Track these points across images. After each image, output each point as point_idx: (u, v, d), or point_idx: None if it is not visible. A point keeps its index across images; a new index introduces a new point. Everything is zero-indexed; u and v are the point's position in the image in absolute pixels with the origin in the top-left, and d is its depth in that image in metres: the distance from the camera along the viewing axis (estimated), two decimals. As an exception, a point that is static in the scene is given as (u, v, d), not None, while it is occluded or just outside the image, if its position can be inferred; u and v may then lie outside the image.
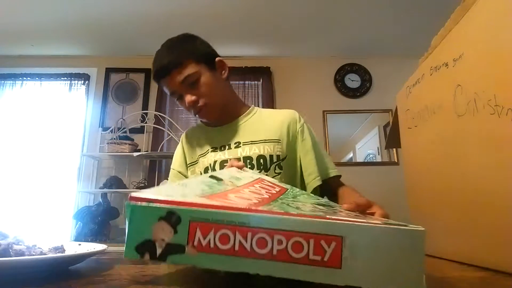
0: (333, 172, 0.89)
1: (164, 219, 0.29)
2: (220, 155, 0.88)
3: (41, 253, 0.40)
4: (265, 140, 0.89)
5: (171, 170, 0.99)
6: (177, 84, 0.83)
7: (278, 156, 0.87)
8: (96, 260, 0.50)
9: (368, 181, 2.78)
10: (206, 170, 0.88)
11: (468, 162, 0.44)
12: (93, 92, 3.01)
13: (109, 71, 3.05)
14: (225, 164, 0.86)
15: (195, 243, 0.29)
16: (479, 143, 0.42)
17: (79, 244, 0.49)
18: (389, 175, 2.69)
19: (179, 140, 1.02)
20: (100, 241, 2.11)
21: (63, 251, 0.44)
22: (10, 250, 0.38)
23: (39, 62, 3.03)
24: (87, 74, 3.04)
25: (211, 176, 0.44)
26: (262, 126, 0.92)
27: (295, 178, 0.89)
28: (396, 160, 2.84)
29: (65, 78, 3.02)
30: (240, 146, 0.88)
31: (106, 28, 2.66)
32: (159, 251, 0.29)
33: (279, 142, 0.89)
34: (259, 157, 0.86)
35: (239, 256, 0.28)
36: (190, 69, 0.83)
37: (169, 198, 0.30)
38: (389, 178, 2.63)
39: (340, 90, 3.05)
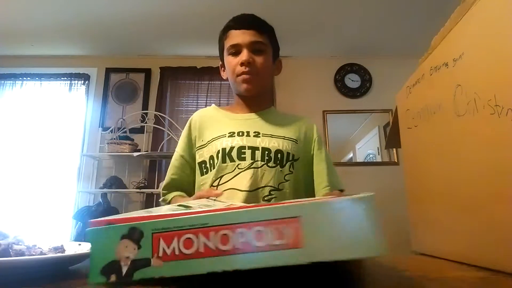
0: (340, 186, 0.92)
1: (126, 236, 0.30)
2: (237, 141, 0.86)
3: (41, 253, 0.40)
4: (284, 136, 0.89)
5: (175, 152, 0.97)
6: (247, 40, 0.85)
7: (293, 155, 0.87)
8: (96, 260, 0.50)
9: (368, 181, 2.78)
10: (218, 154, 0.85)
11: (468, 162, 0.44)
12: (93, 92, 3.01)
13: (109, 71, 3.05)
14: (243, 150, 0.84)
15: (160, 253, 0.29)
16: (479, 143, 0.42)
17: (79, 244, 0.49)
18: (389, 175, 2.69)
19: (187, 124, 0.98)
20: (100, 241, 2.11)
21: (63, 251, 0.44)
22: (10, 250, 0.38)
23: (39, 62, 3.03)
24: (87, 74, 3.04)
25: (180, 205, 0.46)
26: (281, 123, 0.93)
27: (301, 183, 0.90)
28: (396, 160, 2.84)
29: (65, 78, 3.02)
30: (260, 136, 0.87)
31: (106, 28, 2.66)
32: (124, 269, 0.29)
33: (296, 142, 0.90)
34: (277, 151, 0.85)
35: (204, 257, 0.28)
36: (266, 40, 0.88)
37: (129, 216, 0.31)
38: (389, 178, 2.62)
39: (340, 90, 3.05)
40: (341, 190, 0.90)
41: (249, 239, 0.28)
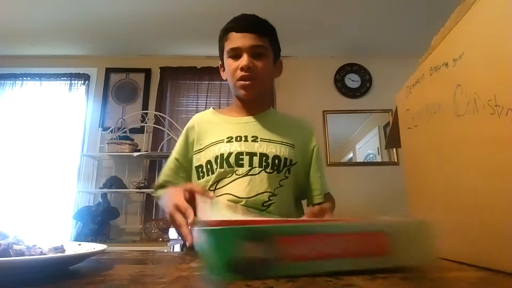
0: (328, 190, 0.95)
1: (249, 238, 0.33)
2: (235, 147, 0.86)
3: (41, 253, 0.40)
4: (282, 141, 0.89)
5: (171, 155, 0.96)
6: (247, 44, 0.84)
7: (290, 160, 0.87)
8: (96, 260, 0.50)
9: (368, 181, 2.78)
10: (216, 160, 0.85)
11: (468, 162, 0.44)
12: (93, 92, 3.00)
13: (109, 71, 3.05)
14: (240, 156, 0.84)
15: (282, 254, 0.33)
16: (479, 143, 0.42)
17: (79, 244, 0.49)
18: (389, 175, 2.69)
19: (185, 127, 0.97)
20: (100, 241, 2.11)
21: (63, 251, 0.44)
22: (10, 250, 0.38)
23: (39, 62, 3.03)
24: (87, 74, 3.04)
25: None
26: (279, 128, 0.92)
27: (295, 187, 0.90)
28: (396, 160, 2.84)
29: (65, 78, 3.02)
30: (258, 141, 0.87)
31: (106, 28, 2.66)
32: (248, 267, 0.32)
33: (293, 147, 0.90)
34: (275, 157, 0.85)
35: (319, 260, 0.34)
36: (266, 44, 0.87)
37: (249, 219, 0.36)
38: (389, 178, 2.63)
39: (340, 90, 3.05)
40: (326, 193, 0.95)
41: (353, 246, 0.35)
